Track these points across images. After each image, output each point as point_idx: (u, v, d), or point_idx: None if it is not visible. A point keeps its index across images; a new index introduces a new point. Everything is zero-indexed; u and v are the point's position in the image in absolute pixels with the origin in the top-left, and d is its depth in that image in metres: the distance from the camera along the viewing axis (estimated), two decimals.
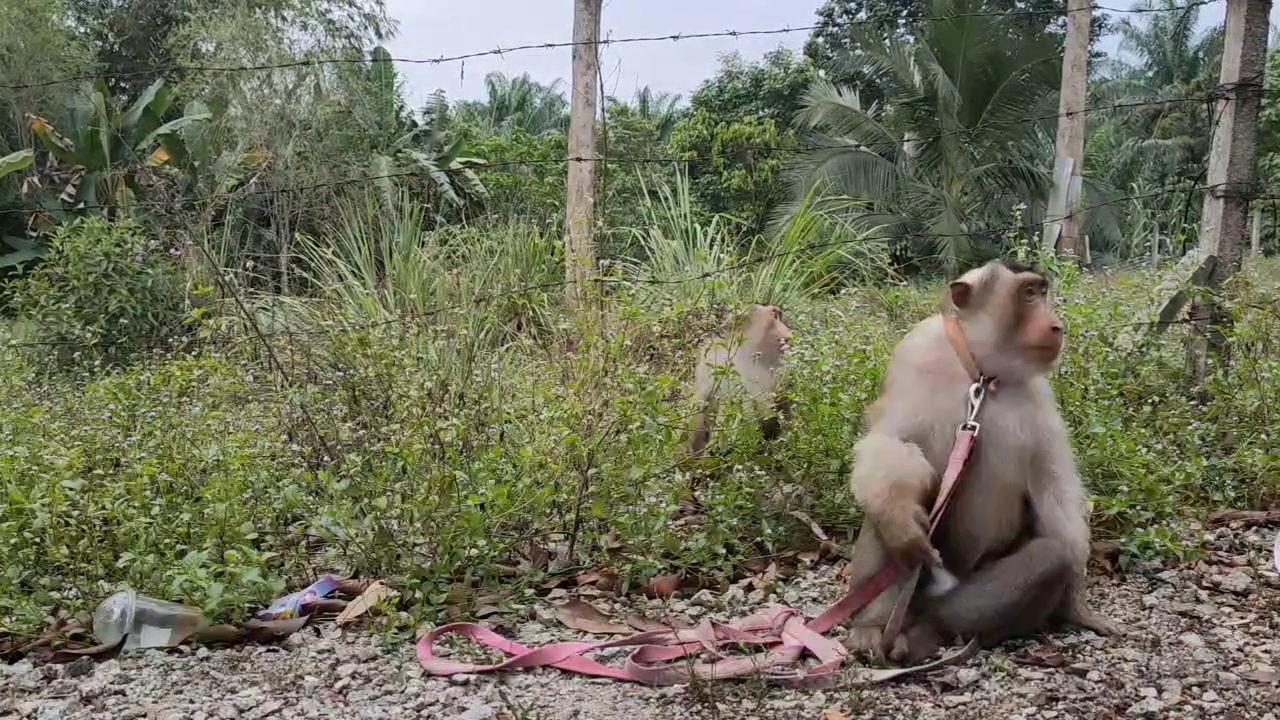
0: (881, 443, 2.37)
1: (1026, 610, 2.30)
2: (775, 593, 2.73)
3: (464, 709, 2.06)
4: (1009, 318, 2.35)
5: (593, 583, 2.84)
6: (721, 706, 2.04)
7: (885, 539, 2.27)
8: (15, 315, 7.81)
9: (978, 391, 2.33)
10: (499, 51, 5.11)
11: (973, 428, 2.30)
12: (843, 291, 8.33)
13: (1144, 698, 2.02)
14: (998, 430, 2.32)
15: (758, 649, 2.26)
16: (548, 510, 3.00)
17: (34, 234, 15.45)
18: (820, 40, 35.00)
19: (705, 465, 3.31)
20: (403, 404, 3.04)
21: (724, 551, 2.89)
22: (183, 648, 2.42)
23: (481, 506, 2.70)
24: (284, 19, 22.15)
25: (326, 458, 3.37)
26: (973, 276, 2.46)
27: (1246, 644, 2.30)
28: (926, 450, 2.33)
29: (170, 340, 4.53)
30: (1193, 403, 3.70)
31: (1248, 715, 1.95)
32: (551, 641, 2.44)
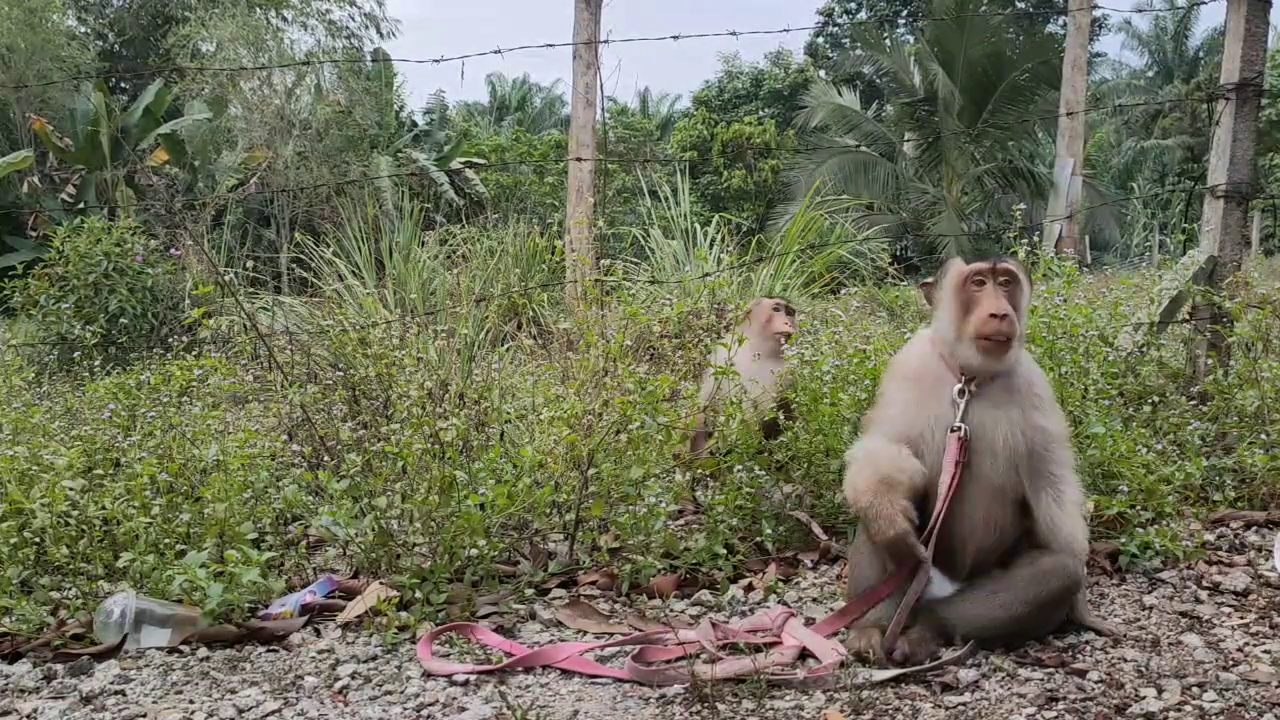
0: (870, 445, 2.39)
1: (1035, 625, 2.30)
2: (775, 593, 2.73)
3: (464, 709, 2.06)
4: (959, 309, 2.34)
5: (593, 583, 2.84)
6: (721, 706, 2.04)
7: (872, 534, 2.28)
8: (15, 315, 7.81)
9: (961, 392, 2.33)
10: (499, 51, 5.12)
11: (958, 429, 2.30)
12: (843, 291, 8.33)
13: (1144, 698, 2.02)
14: (985, 432, 2.32)
15: (758, 649, 2.26)
16: (548, 510, 3.00)
17: (34, 234, 15.44)
18: (820, 40, 34.98)
19: (705, 465, 3.31)
20: (403, 404, 3.04)
21: (724, 551, 2.89)
22: (183, 648, 2.42)
23: (481, 506, 2.70)
24: (284, 19, 22.14)
25: (326, 458, 3.37)
26: (936, 275, 2.49)
27: (1246, 644, 2.30)
28: (919, 456, 2.34)
29: (170, 340, 4.53)
30: (1193, 403, 3.70)
31: (1248, 715, 1.95)
32: (551, 641, 2.44)
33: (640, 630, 2.49)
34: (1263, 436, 3.48)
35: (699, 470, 3.36)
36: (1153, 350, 3.89)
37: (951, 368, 2.37)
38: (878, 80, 24.25)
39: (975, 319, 2.30)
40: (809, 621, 2.48)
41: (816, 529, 3.11)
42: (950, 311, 2.37)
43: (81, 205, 15.60)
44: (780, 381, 3.50)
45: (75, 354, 6.33)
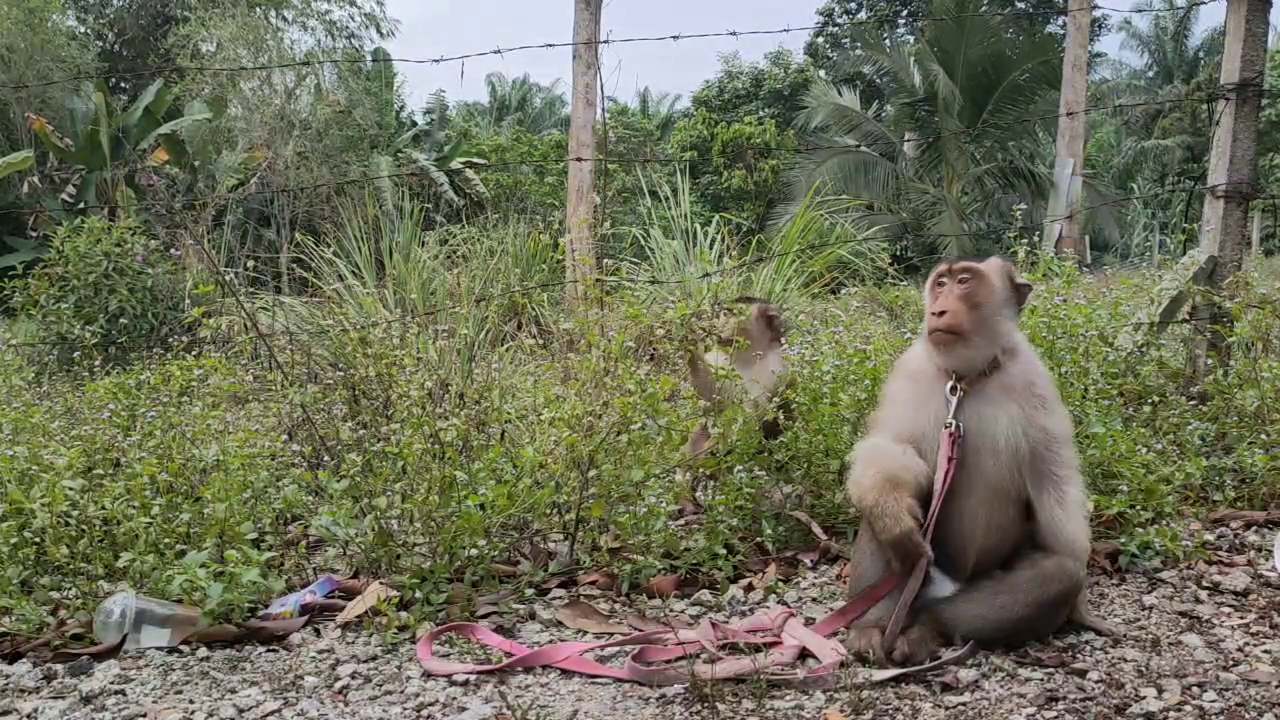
0: (874, 444, 2.42)
1: (1035, 626, 2.30)
2: (775, 593, 2.73)
3: (464, 709, 2.06)
4: (928, 311, 2.43)
5: (593, 583, 2.84)
6: (721, 706, 2.04)
7: (877, 532, 2.28)
8: (15, 315, 7.82)
9: (953, 390, 2.35)
10: (499, 51, 5.11)
11: (949, 425, 2.31)
12: (843, 291, 8.33)
13: (1144, 698, 2.02)
14: (984, 430, 2.33)
15: (758, 649, 2.26)
16: (548, 510, 3.00)
17: (34, 234, 15.44)
18: (820, 40, 34.99)
19: (705, 465, 3.31)
20: (403, 404, 3.04)
21: (724, 551, 2.88)
22: (182, 648, 2.42)
23: (481, 506, 2.70)
24: (284, 19, 22.14)
25: (326, 458, 3.37)
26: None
27: (1246, 644, 2.30)
28: (921, 455, 2.36)
29: (170, 340, 4.53)
30: (1193, 403, 3.70)
31: (1248, 715, 1.95)
32: (551, 641, 2.44)
33: (640, 630, 2.49)
34: (1263, 436, 3.47)
35: (699, 470, 3.35)
36: (1153, 350, 3.88)
37: (941, 367, 2.40)
38: (878, 80, 24.25)
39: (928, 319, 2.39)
40: (809, 621, 2.48)
41: (816, 529, 3.11)
42: (926, 313, 2.45)
43: (81, 205, 15.60)
44: (780, 383, 3.49)
45: (75, 354, 6.33)
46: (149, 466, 2.82)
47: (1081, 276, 3.97)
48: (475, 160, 22.39)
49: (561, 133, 27.54)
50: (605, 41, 6.34)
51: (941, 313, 2.34)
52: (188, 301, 7.78)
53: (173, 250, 8.46)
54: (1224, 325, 3.93)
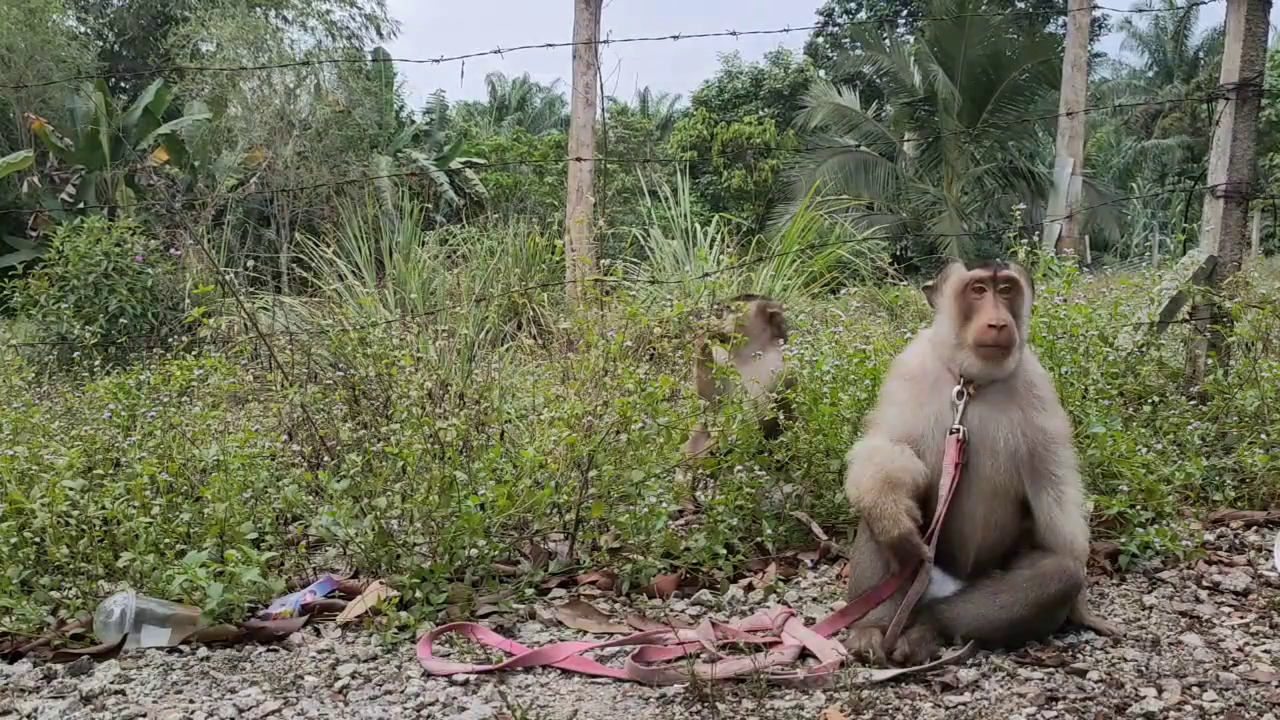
0: (873, 445, 2.41)
1: (1035, 626, 2.30)
2: (775, 593, 2.73)
3: (464, 709, 2.07)
4: (959, 316, 2.36)
5: (593, 582, 2.84)
6: (721, 706, 2.04)
7: (876, 533, 2.28)
8: (15, 315, 7.82)
9: (960, 394, 2.34)
10: (499, 51, 5.12)
11: (957, 431, 2.30)
12: (843, 291, 8.34)
13: (1144, 698, 2.03)
14: (985, 433, 2.32)
15: (758, 649, 2.26)
16: (548, 510, 3.00)
17: (34, 234, 15.41)
18: (820, 40, 34.96)
19: (705, 465, 3.31)
20: (403, 404, 3.04)
21: (724, 551, 2.89)
22: (183, 647, 2.43)
23: (481, 506, 2.70)
24: (284, 19, 22.14)
25: (326, 458, 3.37)
26: (938, 278, 2.49)
27: (1246, 644, 2.30)
28: (920, 456, 2.35)
29: (170, 340, 4.53)
30: (1193, 403, 3.70)
31: (1248, 715, 1.95)
32: (551, 641, 2.44)
33: (640, 630, 2.49)
34: (1263, 436, 3.47)
35: (699, 470, 3.35)
36: (1153, 350, 3.88)
37: (951, 370, 2.38)
38: (878, 80, 24.22)
39: (975, 327, 2.31)
40: (809, 621, 2.48)
41: (816, 529, 3.11)
42: (950, 317, 2.38)
43: (81, 205, 15.58)
44: (779, 381, 3.49)
45: (75, 354, 6.33)
46: (149, 466, 2.82)
47: (1081, 276, 3.97)
48: (475, 160, 22.38)
49: (561, 133, 27.51)
50: (605, 41, 6.35)
51: (1001, 326, 2.28)
52: (188, 301, 7.78)
53: (173, 250, 8.45)
54: (1224, 325, 3.92)
